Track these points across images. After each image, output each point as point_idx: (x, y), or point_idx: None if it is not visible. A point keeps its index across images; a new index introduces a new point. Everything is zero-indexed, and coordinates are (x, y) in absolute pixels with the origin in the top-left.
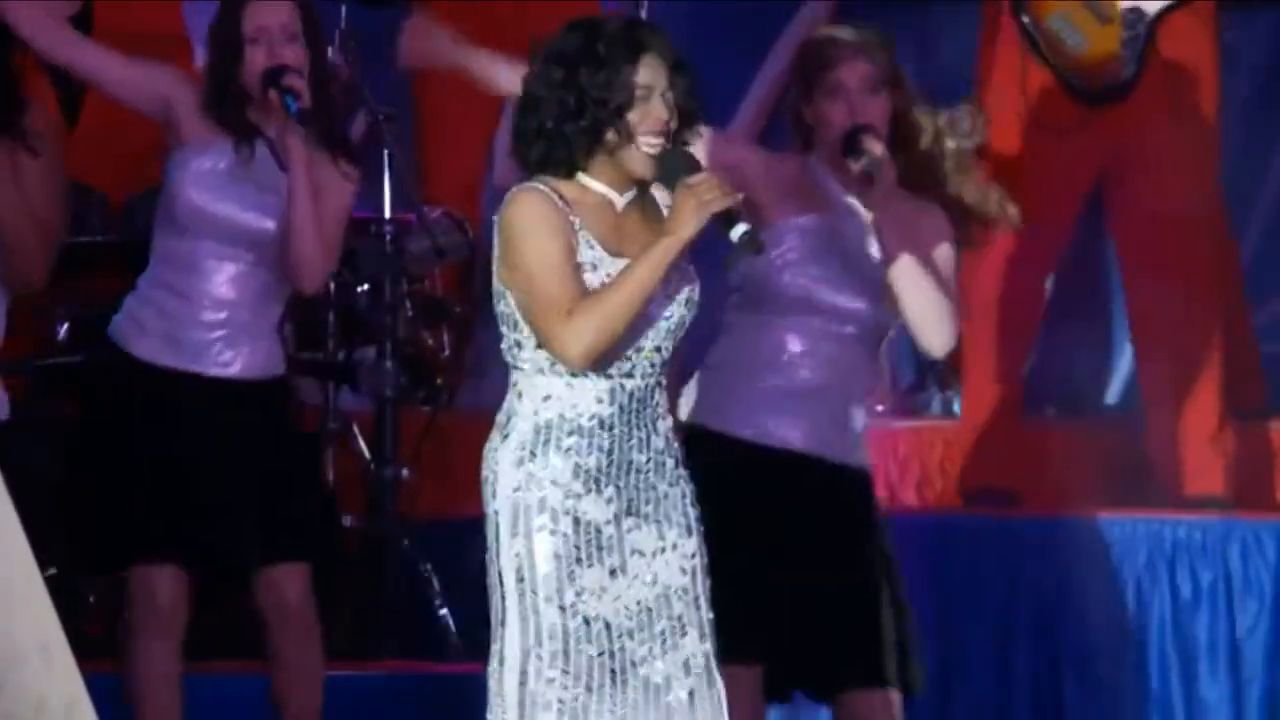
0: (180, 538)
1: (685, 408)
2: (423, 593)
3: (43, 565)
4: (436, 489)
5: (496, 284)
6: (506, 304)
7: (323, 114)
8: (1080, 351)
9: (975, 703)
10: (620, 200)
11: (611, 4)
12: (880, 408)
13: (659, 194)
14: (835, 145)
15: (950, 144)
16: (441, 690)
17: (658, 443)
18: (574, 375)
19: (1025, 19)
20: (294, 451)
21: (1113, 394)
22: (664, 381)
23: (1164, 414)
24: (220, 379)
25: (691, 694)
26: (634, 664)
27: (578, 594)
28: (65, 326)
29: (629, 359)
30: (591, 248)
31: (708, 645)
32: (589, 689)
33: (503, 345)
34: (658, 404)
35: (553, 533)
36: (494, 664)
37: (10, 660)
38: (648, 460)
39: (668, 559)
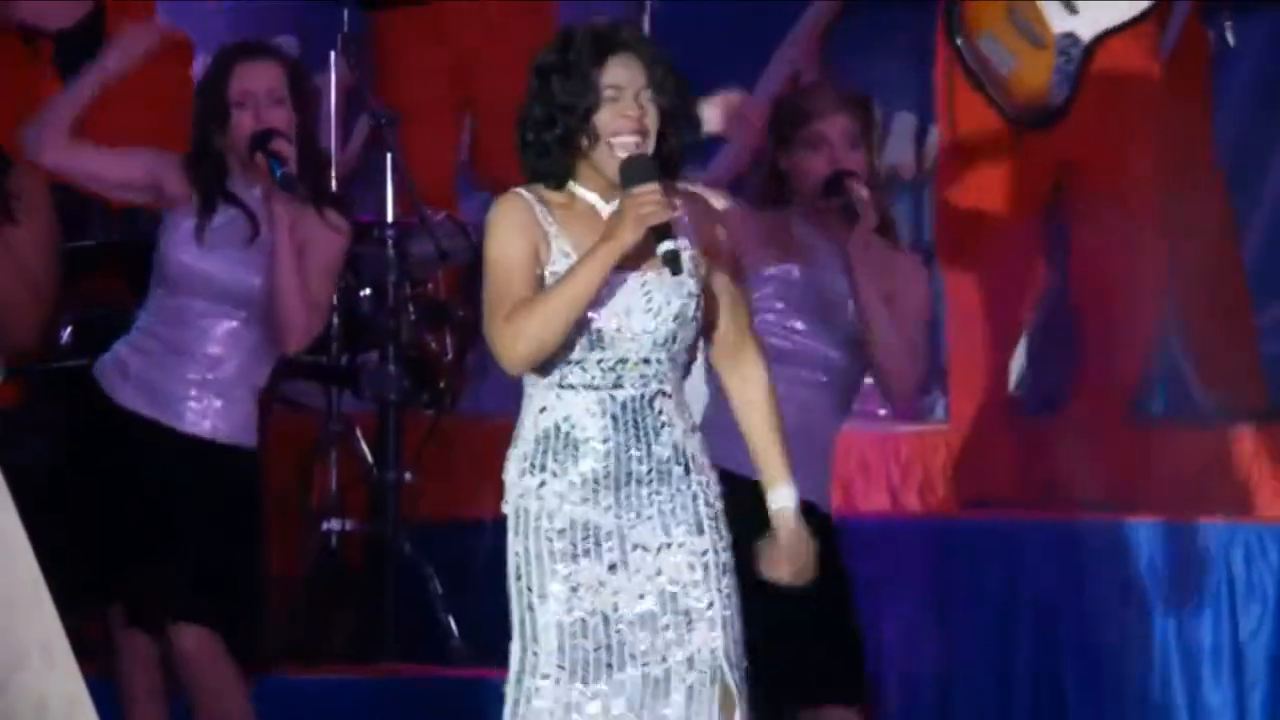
0: (110, 587)
1: None
2: (425, 596)
3: (50, 565)
4: (439, 492)
5: None
6: None
7: (309, 172)
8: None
9: (976, 707)
10: (606, 207)
11: (616, 5)
12: (882, 412)
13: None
14: (814, 194)
15: None
16: (443, 694)
17: (661, 452)
18: (562, 387)
19: (959, 41)
20: (237, 523)
21: None
22: (669, 390)
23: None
24: (192, 435)
25: (691, 689)
26: (633, 657)
27: (573, 589)
28: (68, 330)
29: (614, 370)
30: (567, 256)
31: (718, 642)
32: (584, 683)
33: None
34: (660, 413)
35: (550, 531)
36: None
37: (13, 660)
38: (649, 471)
39: (673, 555)
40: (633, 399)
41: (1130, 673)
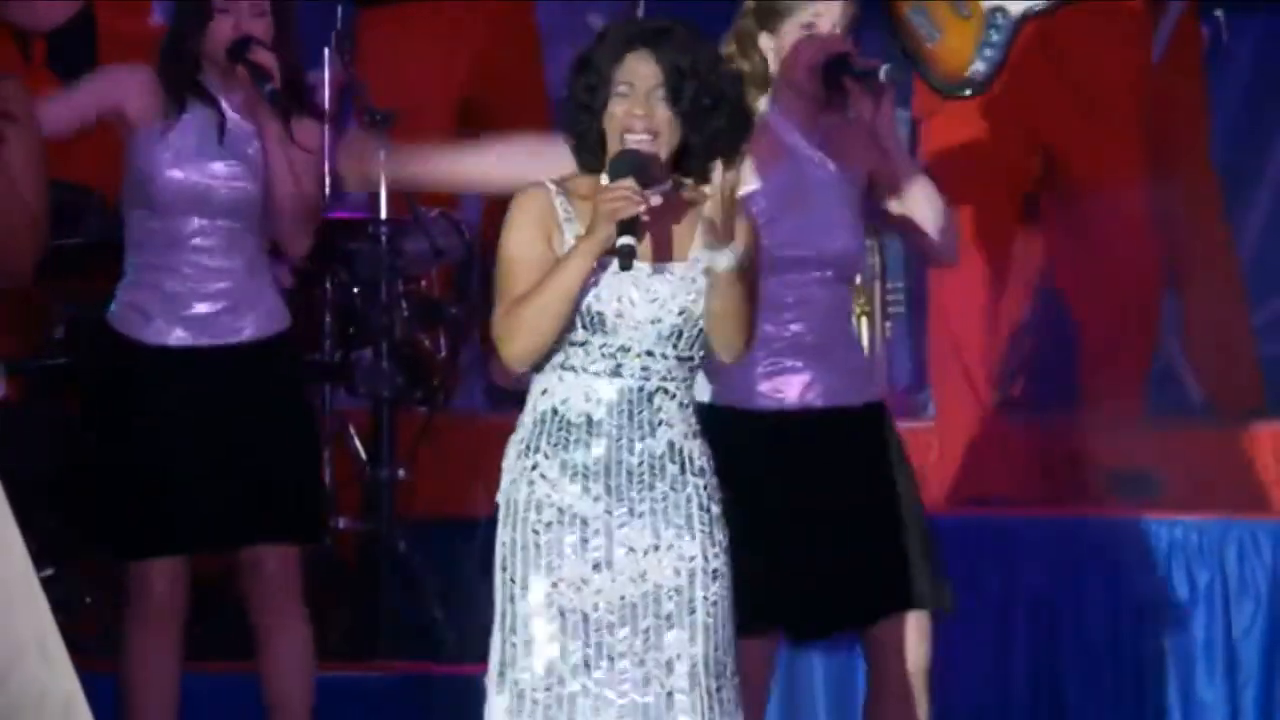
0: (176, 529)
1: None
2: (418, 593)
3: (42, 564)
4: (433, 490)
5: None
6: None
7: (287, 84)
8: (1070, 355)
9: (973, 704)
10: None
11: (611, 5)
12: None
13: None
14: (803, 81)
15: None
16: (436, 691)
17: (655, 447)
18: (564, 369)
19: (889, 8)
20: (295, 422)
21: None
22: (672, 390)
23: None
24: (231, 345)
25: (670, 694)
26: (611, 659)
27: (554, 585)
28: (62, 327)
29: (614, 357)
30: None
31: (698, 649)
32: (561, 680)
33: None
34: (659, 409)
35: (537, 523)
36: None
37: (12, 656)
38: (641, 463)
39: (660, 558)
40: (630, 389)
41: (1124, 669)
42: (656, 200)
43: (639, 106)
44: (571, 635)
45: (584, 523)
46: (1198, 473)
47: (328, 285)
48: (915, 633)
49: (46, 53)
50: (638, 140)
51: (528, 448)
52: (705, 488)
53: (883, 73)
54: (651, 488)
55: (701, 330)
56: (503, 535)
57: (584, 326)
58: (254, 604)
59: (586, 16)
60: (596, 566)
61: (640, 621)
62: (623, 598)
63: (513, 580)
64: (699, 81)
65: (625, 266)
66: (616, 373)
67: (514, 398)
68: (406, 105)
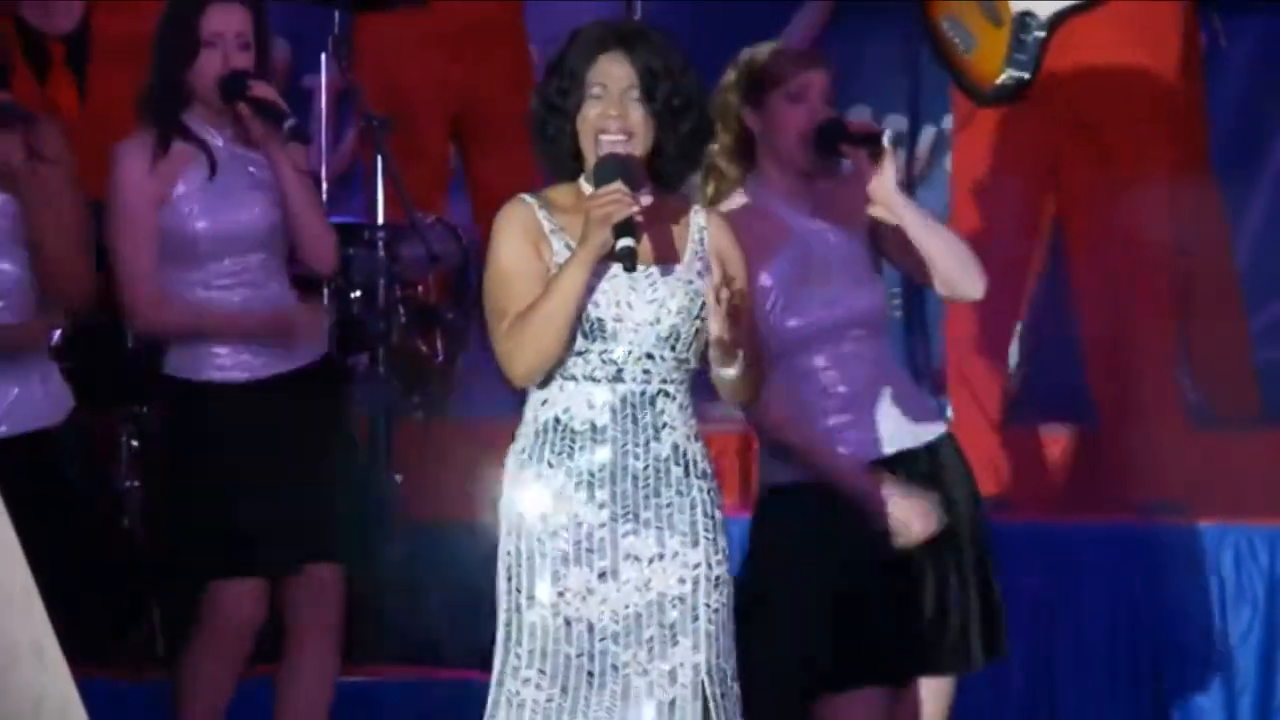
0: (256, 550)
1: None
2: (416, 598)
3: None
4: (430, 495)
5: None
6: None
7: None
8: (1072, 359)
9: (969, 707)
10: None
11: (606, 6)
12: None
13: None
14: (795, 151)
15: None
16: (435, 697)
17: (660, 450)
18: (564, 378)
19: (925, 19)
20: (348, 444)
21: None
22: (672, 392)
23: (1118, 424)
24: (290, 371)
25: (673, 703)
26: (615, 668)
27: (560, 594)
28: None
29: (615, 363)
30: (570, 250)
31: (701, 657)
32: (564, 690)
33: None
34: (661, 412)
35: (541, 533)
36: None
37: (7, 661)
38: (646, 467)
39: (665, 566)
40: (633, 394)
41: (1121, 675)
42: (647, 200)
43: (614, 107)
44: (575, 645)
45: (589, 533)
46: (1195, 478)
47: (325, 291)
48: (932, 700)
49: (65, 53)
50: (613, 141)
51: (530, 457)
52: (709, 492)
53: (885, 138)
54: (657, 494)
55: (698, 331)
56: (508, 544)
57: (584, 335)
58: (295, 614)
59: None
60: (602, 575)
61: (644, 631)
62: (627, 607)
63: (518, 590)
64: (672, 82)
65: (629, 268)
66: (618, 378)
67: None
68: (399, 111)
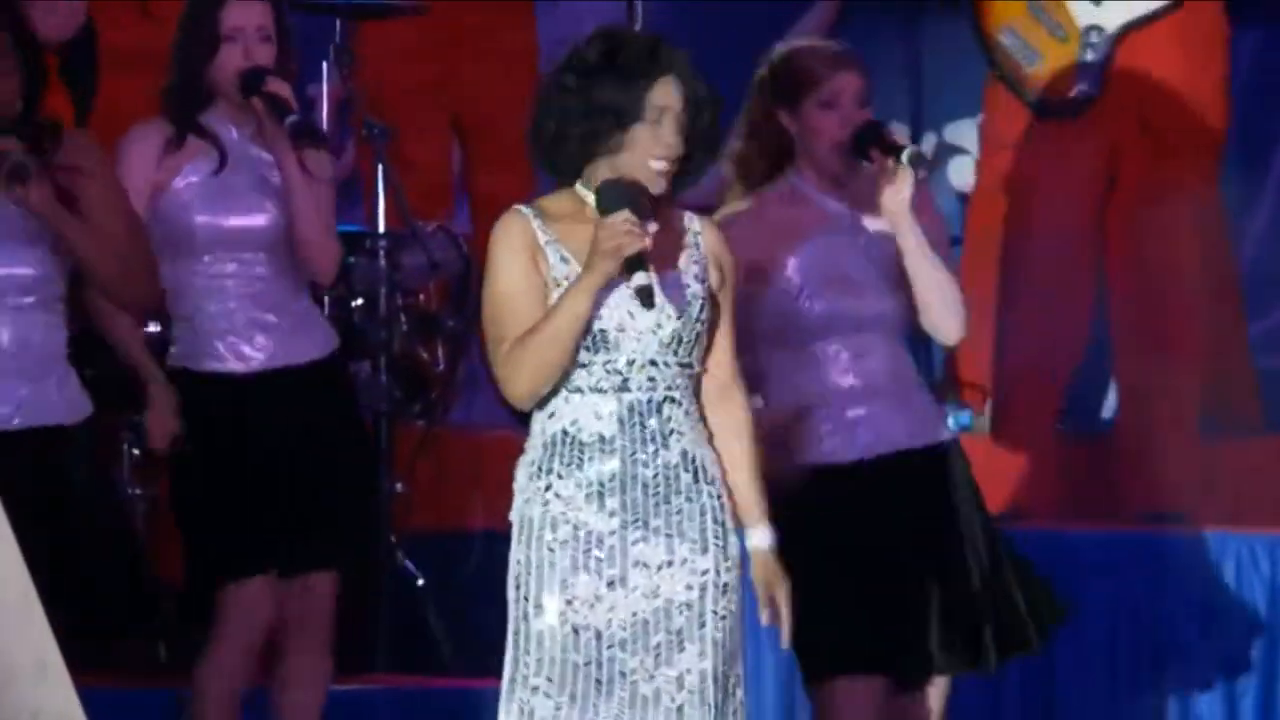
0: (267, 549)
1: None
2: (416, 606)
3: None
4: (430, 503)
5: None
6: None
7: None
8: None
9: (969, 709)
10: None
11: (607, 7)
12: None
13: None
14: (827, 157)
15: None
16: (434, 704)
17: (669, 457)
18: (570, 391)
19: (981, 34)
20: (355, 449)
21: (1109, 408)
22: (678, 398)
23: (1136, 428)
24: (296, 368)
25: (680, 709)
26: (623, 675)
27: (568, 602)
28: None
29: (620, 373)
30: (565, 262)
31: (708, 664)
32: (573, 698)
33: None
34: (669, 419)
35: (551, 541)
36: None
37: (5, 677)
38: (656, 475)
39: (673, 573)
40: (640, 403)
41: (1121, 682)
42: (653, 228)
43: (671, 136)
44: (584, 653)
45: (599, 540)
46: (1197, 486)
47: (325, 299)
48: (929, 699)
49: (59, 66)
50: (661, 170)
51: (540, 469)
52: (718, 497)
53: (906, 155)
54: (667, 501)
55: (699, 335)
56: (517, 554)
57: (587, 348)
58: (291, 622)
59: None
60: (610, 584)
61: (652, 638)
62: (635, 614)
63: (526, 599)
64: (710, 113)
65: (648, 305)
66: (624, 387)
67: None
68: (403, 118)
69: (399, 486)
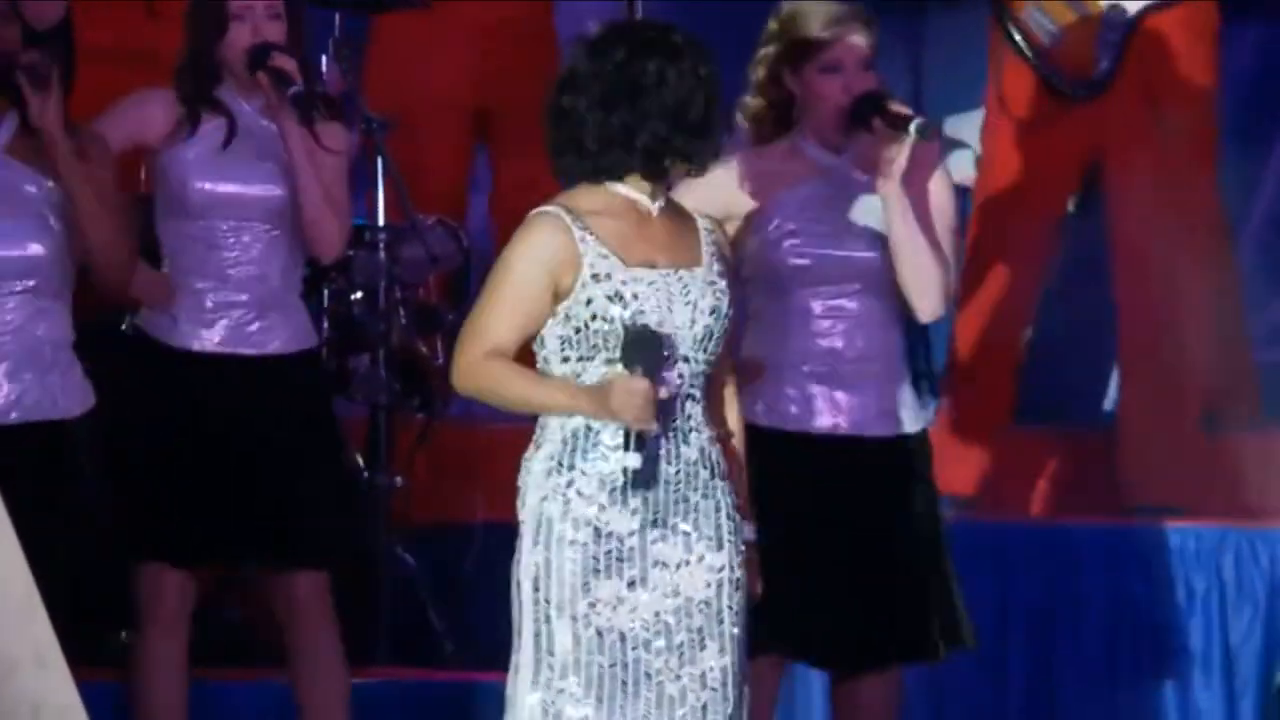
0: (189, 539)
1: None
2: (415, 600)
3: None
4: (429, 496)
5: None
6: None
7: (305, 85)
8: (1075, 359)
9: (969, 709)
10: (654, 205)
11: (606, 5)
12: None
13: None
14: (829, 120)
15: None
16: (434, 698)
17: (689, 453)
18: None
19: (1002, 12)
20: (319, 439)
21: (1110, 402)
22: (698, 395)
23: (1138, 421)
24: (258, 357)
25: (705, 707)
26: (648, 675)
27: (591, 605)
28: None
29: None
30: (605, 257)
31: (727, 660)
32: (599, 700)
33: (536, 360)
34: (690, 416)
35: (572, 543)
36: (510, 673)
37: (6, 670)
38: (677, 471)
39: (692, 571)
40: (663, 400)
41: (1121, 678)
42: (665, 394)
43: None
44: (608, 654)
45: (620, 540)
46: (1195, 480)
47: (325, 292)
48: (881, 692)
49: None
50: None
51: (559, 464)
52: (730, 493)
53: (913, 127)
54: (686, 499)
55: (726, 331)
56: (535, 555)
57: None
58: (286, 625)
59: (587, 24)
60: (631, 584)
61: (675, 637)
62: (657, 614)
63: (547, 601)
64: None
65: (634, 487)
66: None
67: None
68: (423, 110)
69: (398, 480)
